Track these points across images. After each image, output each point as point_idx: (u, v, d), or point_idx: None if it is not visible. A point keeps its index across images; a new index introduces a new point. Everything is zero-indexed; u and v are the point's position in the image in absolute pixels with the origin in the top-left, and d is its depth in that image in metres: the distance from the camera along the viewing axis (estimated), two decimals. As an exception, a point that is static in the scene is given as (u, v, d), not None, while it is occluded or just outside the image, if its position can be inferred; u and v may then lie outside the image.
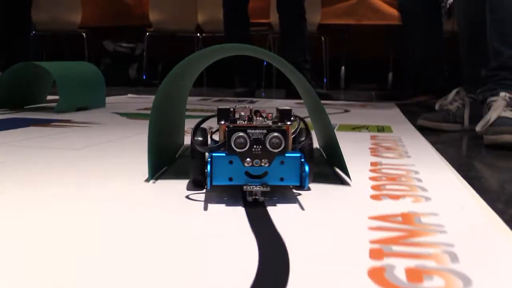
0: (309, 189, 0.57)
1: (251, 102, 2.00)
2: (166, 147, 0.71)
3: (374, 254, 0.37)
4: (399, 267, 0.35)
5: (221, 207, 0.50)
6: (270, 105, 1.83)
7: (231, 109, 0.52)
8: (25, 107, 1.57)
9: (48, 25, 3.35)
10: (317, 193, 0.56)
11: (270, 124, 0.51)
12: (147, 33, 3.35)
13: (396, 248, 0.38)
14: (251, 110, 0.53)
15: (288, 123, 0.51)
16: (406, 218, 0.46)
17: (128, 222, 0.45)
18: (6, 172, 0.65)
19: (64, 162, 0.73)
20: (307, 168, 0.50)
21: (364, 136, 1.05)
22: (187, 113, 1.48)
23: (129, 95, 2.29)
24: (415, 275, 0.33)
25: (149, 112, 1.47)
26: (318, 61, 3.12)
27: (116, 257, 0.36)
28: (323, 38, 3.21)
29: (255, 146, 0.50)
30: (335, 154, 0.64)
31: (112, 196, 0.54)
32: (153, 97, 1.96)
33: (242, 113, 0.52)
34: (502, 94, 1.02)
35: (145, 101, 1.94)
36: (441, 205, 0.51)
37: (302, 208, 0.50)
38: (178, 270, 0.34)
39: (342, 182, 0.62)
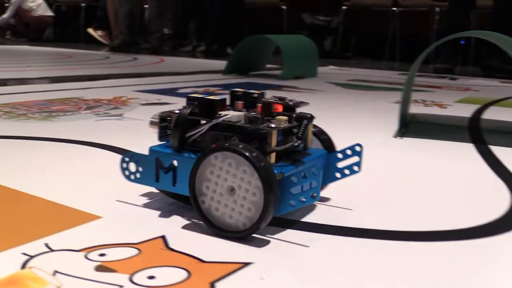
0: None
1: (452, 79, 2.04)
2: (406, 111, 0.86)
3: None
4: None
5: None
6: (470, 83, 1.87)
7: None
8: (249, 73, 1.83)
9: (253, -1, 3.67)
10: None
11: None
12: (344, 7, 3.49)
13: None
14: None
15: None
16: None
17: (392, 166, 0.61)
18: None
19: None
20: None
21: None
22: (392, 86, 1.61)
23: (331, 66, 2.47)
24: None
25: (358, 83, 1.63)
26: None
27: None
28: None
29: None
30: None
31: (369, 147, 0.72)
32: (353, 69, 2.11)
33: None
34: None
35: (349, 73, 2.10)
36: None
37: None
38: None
39: None
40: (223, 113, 0.40)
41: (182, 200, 0.44)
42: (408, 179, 0.56)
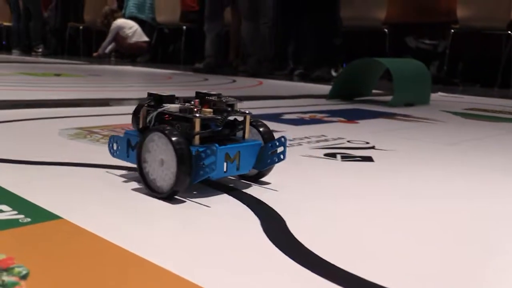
0: None
1: None
2: None
3: None
4: None
5: None
6: None
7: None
8: (354, 98, 1.71)
9: (354, 21, 3.54)
10: None
11: None
12: (452, 30, 3.27)
13: None
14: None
15: None
16: None
17: None
18: (403, 160, 0.74)
19: (443, 155, 0.78)
20: None
21: None
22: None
23: (440, 93, 2.29)
24: None
25: (478, 113, 1.45)
26: None
27: None
28: None
29: None
30: None
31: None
32: (465, 97, 1.89)
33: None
34: None
35: (462, 101, 1.91)
36: None
37: None
38: None
39: None
40: (166, 105, 0.51)
41: None
42: None
